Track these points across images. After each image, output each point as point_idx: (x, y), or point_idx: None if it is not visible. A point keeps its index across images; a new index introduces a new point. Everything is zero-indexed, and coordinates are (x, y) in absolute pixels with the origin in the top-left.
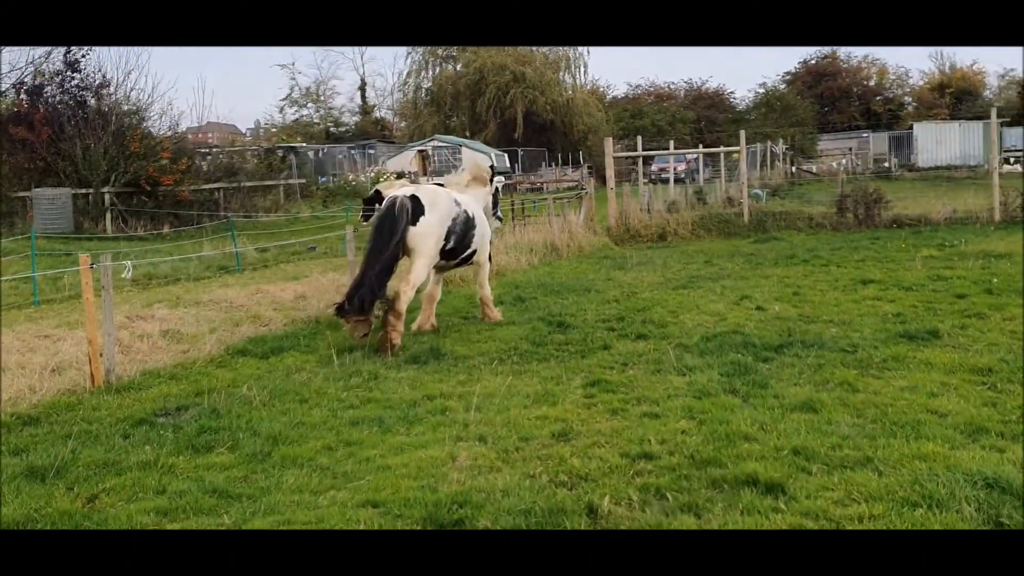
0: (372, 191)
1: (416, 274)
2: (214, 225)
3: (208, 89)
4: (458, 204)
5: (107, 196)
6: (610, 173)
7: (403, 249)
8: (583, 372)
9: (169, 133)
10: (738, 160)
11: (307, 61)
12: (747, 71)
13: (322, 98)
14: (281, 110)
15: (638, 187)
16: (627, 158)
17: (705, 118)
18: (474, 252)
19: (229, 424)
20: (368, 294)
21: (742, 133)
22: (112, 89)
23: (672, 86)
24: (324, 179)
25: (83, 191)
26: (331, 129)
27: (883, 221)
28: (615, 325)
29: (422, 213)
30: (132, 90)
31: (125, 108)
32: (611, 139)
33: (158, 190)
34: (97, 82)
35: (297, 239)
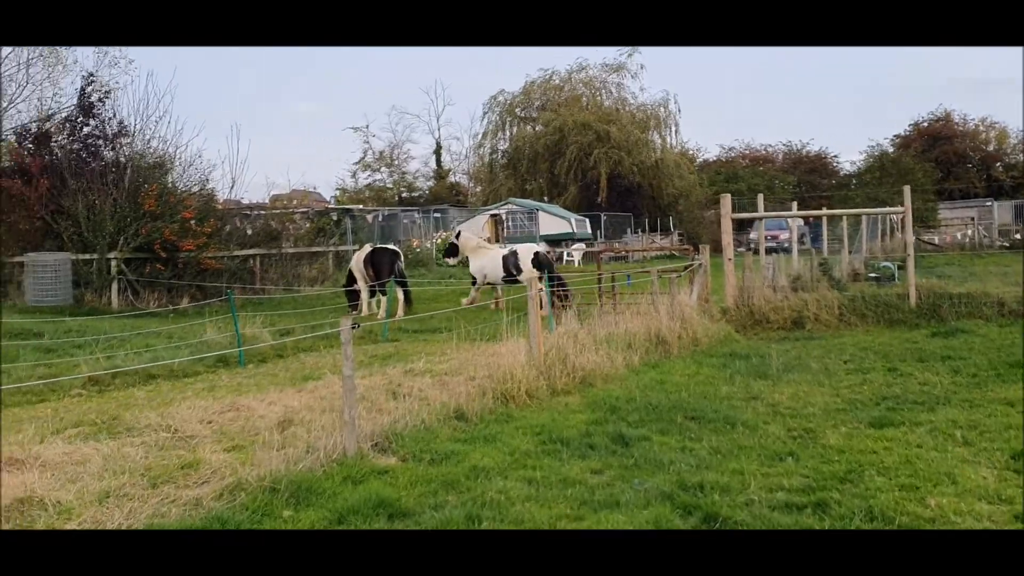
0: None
1: None
2: (242, 300)
3: (244, 138)
4: None
5: (114, 263)
6: (727, 239)
7: None
8: None
9: (196, 189)
10: (854, 228)
11: (381, 124)
12: (851, 134)
13: (396, 162)
14: (354, 174)
15: (759, 257)
16: (741, 221)
17: (806, 183)
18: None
19: None
20: None
21: (906, 189)
22: (131, 139)
23: (769, 149)
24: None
25: (87, 256)
26: (404, 194)
27: None
28: (817, 523)
29: None
30: (152, 139)
31: (148, 161)
32: (728, 197)
33: (177, 256)
34: (114, 130)
35: (336, 319)
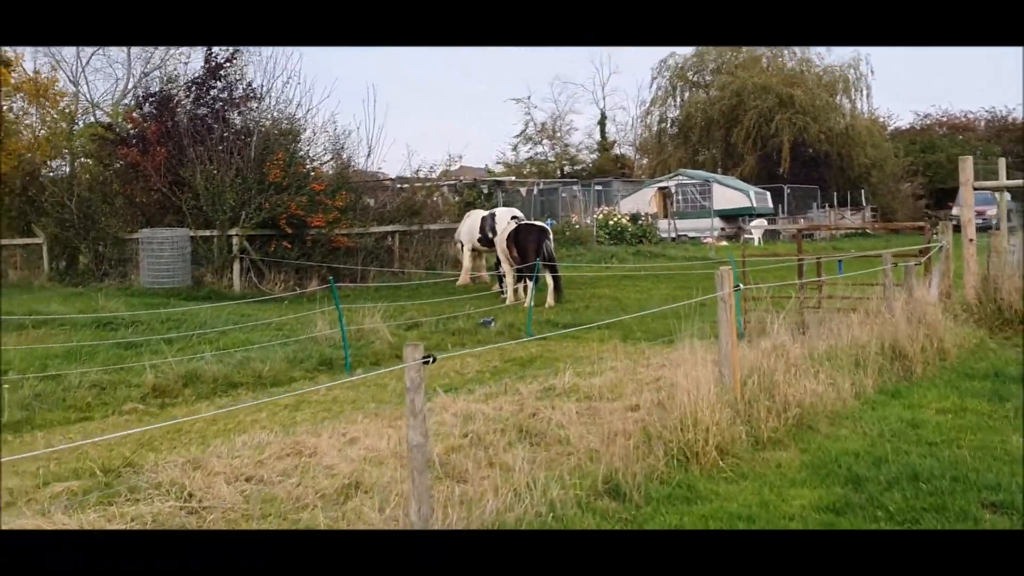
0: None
1: None
2: (376, 285)
3: (382, 101)
4: None
5: (235, 240)
6: (969, 215)
7: None
8: None
9: (327, 159)
10: None
11: (543, 95)
12: None
13: (558, 134)
14: (515, 147)
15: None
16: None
17: (1012, 153)
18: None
19: None
20: None
21: None
22: (259, 102)
23: (970, 115)
24: (550, 222)
25: (207, 233)
26: (566, 167)
27: None
28: None
29: None
30: (278, 102)
31: (281, 127)
32: (970, 160)
33: (305, 233)
34: (241, 93)
35: (477, 308)
